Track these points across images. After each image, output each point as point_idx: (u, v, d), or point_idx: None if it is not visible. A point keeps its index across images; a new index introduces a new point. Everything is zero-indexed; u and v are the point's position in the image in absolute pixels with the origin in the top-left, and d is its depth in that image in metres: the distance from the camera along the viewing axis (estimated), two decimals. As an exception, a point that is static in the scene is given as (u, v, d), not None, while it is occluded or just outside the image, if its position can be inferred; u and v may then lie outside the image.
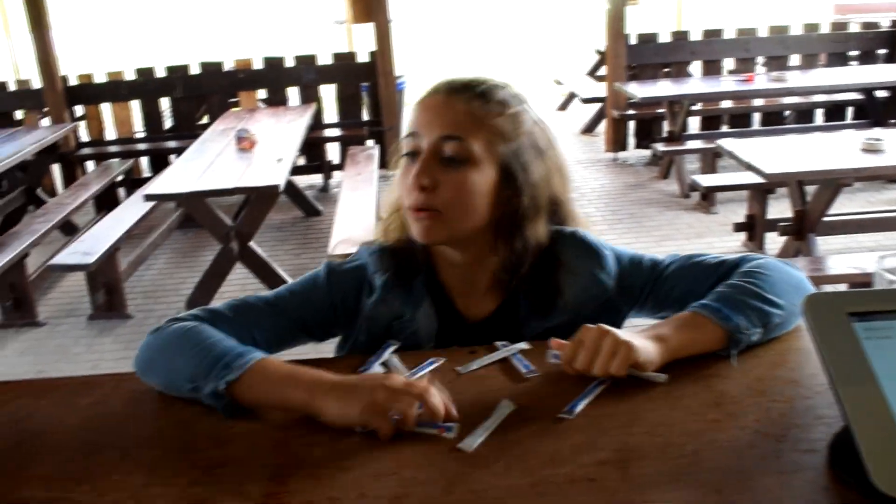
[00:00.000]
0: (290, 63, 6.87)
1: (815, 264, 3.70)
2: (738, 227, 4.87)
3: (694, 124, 6.99)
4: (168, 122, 7.15)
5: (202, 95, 6.97)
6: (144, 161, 7.05)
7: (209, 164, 4.66)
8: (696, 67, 7.28)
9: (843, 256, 3.98)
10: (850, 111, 7.11)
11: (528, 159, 1.34)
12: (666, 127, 6.51)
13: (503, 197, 1.33)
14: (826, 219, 4.22)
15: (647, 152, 7.01)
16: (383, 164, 6.70)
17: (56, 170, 6.86)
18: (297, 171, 6.15)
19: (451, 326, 1.38)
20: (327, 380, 1.13)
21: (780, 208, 4.96)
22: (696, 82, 6.64)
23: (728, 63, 7.20)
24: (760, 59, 7.27)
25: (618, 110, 6.95)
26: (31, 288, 4.66)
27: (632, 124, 7.14)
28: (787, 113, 7.18)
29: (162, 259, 5.54)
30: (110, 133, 7.10)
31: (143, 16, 21.01)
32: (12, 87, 6.94)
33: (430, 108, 1.34)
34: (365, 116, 7.05)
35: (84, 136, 7.03)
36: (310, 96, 6.83)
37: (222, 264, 4.67)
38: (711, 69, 7.09)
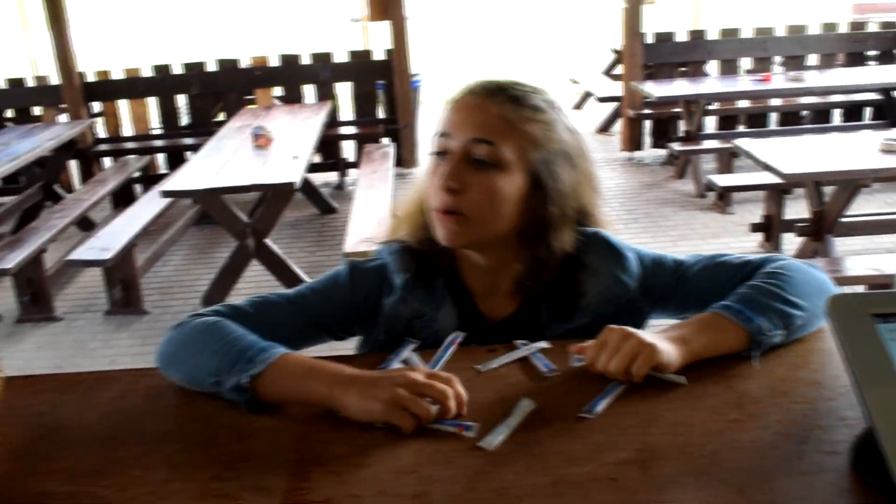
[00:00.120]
0: (306, 61, 6.88)
1: (833, 265, 3.68)
2: (755, 228, 4.85)
3: (710, 124, 6.96)
4: (184, 119, 7.19)
5: (219, 92, 6.99)
6: (161, 158, 7.08)
7: (225, 161, 4.67)
8: (712, 67, 7.25)
9: (860, 258, 3.96)
10: (868, 111, 7.06)
11: (558, 168, 1.32)
12: (682, 126, 6.49)
13: (531, 204, 1.31)
14: (844, 220, 4.20)
15: (662, 152, 6.99)
16: (399, 161, 6.73)
17: (73, 166, 6.90)
18: (312, 168, 6.15)
19: (472, 326, 1.37)
20: (349, 374, 1.14)
21: (796, 209, 4.94)
22: (712, 82, 6.62)
23: (745, 62, 7.16)
24: (778, 59, 7.23)
25: (634, 109, 6.93)
26: (48, 283, 4.69)
27: (647, 123, 7.12)
28: (804, 113, 7.14)
29: (178, 255, 5.56)
30: (127, 129, 7.14)
31: (161, 13, 21.08)
32: (30, 83, 7.00)
33: (461, 109, 1.32)
34: (380, 114, 7.06)
35: (101, 132, 7.06)
36: (326, 94, 6.84)
37: (238, 261, 4.69)
38: (728, 68, 7.06)
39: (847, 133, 5.23)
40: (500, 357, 1.27)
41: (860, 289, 3.62)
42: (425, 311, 1.35)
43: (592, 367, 1.18)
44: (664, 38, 7.02)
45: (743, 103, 6.93)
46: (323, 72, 6.84)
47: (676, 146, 6.14)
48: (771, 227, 4.76)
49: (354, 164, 6.73)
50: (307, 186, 6.09)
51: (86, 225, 5.85)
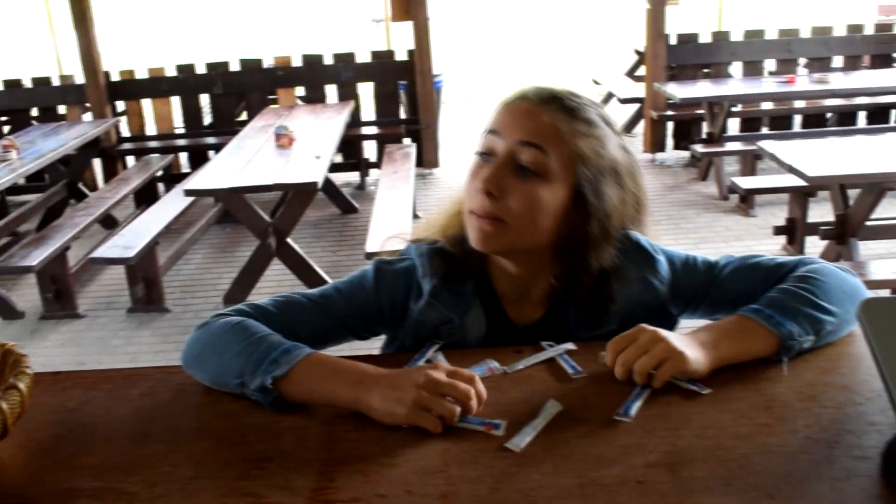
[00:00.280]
0: (328, 61, 6.91)
1: (857, 269, 3.65)
2: (778, 231, 4.81)
3: (733, 126, 6.92)
4: (207, 119, 7.23)
5: (241, 92, 7.04)
6: (183, 157, 7.13)
7: (248, 160, 4.69)
8: (736, 68, 7.21)
9: (885, 261, 3.92)
10: (893, 114, 7.00)
11: (604, 186, 1.28)
12: (705, 128, 6.45)
13: (570, 219, 1.28)
14: (869, 223, 4.16)
15: (685, 154, 6.96)
16: (420, 162, 6.73)
17: (97, 164, 6.96)
18: (334, 168, 6.17)
19: (499, 331, 1.36)
20: (372, 375, 1.13)
21: (820, 212, 4.91)
22: (736, 83, 6.58)
23: (769, 64, 7.12)
24: (802, 61, 7.18)
25: (656, 111, 6.90)
26: (71, 280, 4.72)
27: (670, 125, 7.09)
28: (829, 115, 7.09)
29: (200, 254, 5.59)
30: (150, 128, 7.19)
31: (185, 13, 21.21)
32: (56, 82, 7.05)
33: (513, 112, 1.29)
34: (402, 115, 7.07)
35: (125, 131, 7.12)
36: (348, 94, 6.86)
37: (259, 260, 4.71)
38: (752, 70, 7.02)
39: (872, 135, 5.20)
40: (526, 358, 1.26)
41: (885, 293, 3.59)
42: (452, 318, 1.33)
43: (613, 357, 1.17)
44: (688, 40, 7.00)
45: (767, 105, 6.89)
46: (345, 72, 6.86)
47: (699, 148, 6.11)
48: (794, 230, 4.72)
49: (376, 165, 6.75)
50: (329, 186, 6.11)
51: (109, 223, 5.89)
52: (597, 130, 1.29)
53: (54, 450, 1.10)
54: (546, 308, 1.38)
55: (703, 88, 6.38)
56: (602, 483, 0.96)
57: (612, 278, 1.33)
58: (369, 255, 3.92)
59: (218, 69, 6.90)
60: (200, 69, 6.91)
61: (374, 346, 1.49)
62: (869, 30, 7.09)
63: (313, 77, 6.96)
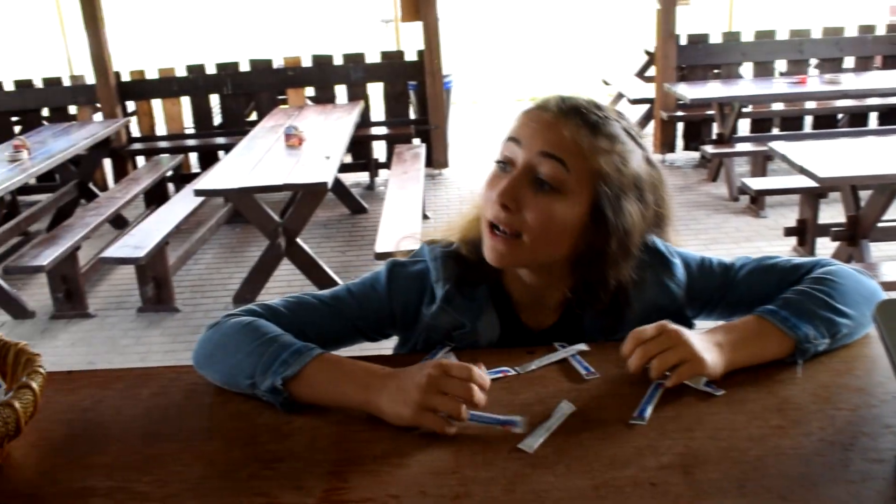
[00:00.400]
0: (338, 61, 6.91)
1: (869, 271, 3.61)
2: (789, 232, 4.80)
3: (744, 126, 6.90)
4: (217, 119, 7.24)
5: (251, 92, 7.05)
6: (194, 157, 7.14)
7: (258, 160, 4.70)
8: (747, 69, 7.19)
9: (897, 263, 3.91)
10: (905, 114, 6.97)
11: (624, 202, 1.24)
12: (715, 129, 6.44)
13: (588, 236, 1.25)
14: (880, 224, 4.14)
15: (695, 154, 6.94)
16: (429, 162, 6.73)
17: (108, 164, 6.98)
18: (343, 168, 6.18)
19: (513, 335, 1.35)
20: (380, 377, 1.13)
21: (831, 213, 4.89)
22: (747, 84, 6.56)
23: (780, 65, 7.10)
24: (813, 61, 7.16)
25: (666, 111, 6.88)
26: (82, 280, 4.74)
27: (680, 126, 7.07)
28: (840, 116, 7.06)
29: (209, 254, 5.60)
30: (161, 129, 7.20)
31: (195, 13, 21.26)
32: (66, 82, 7.07)
33: (534, 122, 1.25)
34: (412, 115, 7.07)
35: (135, 131, 7.13)
36: (357, 94, 6.86)
37: (269, 260, 4.71)
38: (763, 71, 7.00)
39: (884, 136, 5.17)
40: (538, 359, 1.25)
41: (897, 295, 3.57)
42: (465, 322, 1.31)
43: (633, 347, 1.16)
44: (698, 40, 6.98)
45: (777, 106, 6.87)
46: (355, 72, 6.86)
47: (709, 149, 6.10)
48: (805, 232, 4.71)
49: (385, 165, 6.75)
50: (338, 186, 6.12)
51: (119, 223, 5.91)
52: (619, 146, 1.25)
53: (67, 449, 1.10)
54: (561, 313, 1.37)
55: (713, 89, 6.36)
56: (615, 485, 0.95)
57: (629, 284, 1.30)
58: (379, 256, 3.92)
59: (228, 69, 6.91)
60: (210, 69, 6.92)
61: (386, 346, 1.49)
62: (881, 30, 7.06)
63: (323, 77, 6.96)
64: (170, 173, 6.47)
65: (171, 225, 4.75)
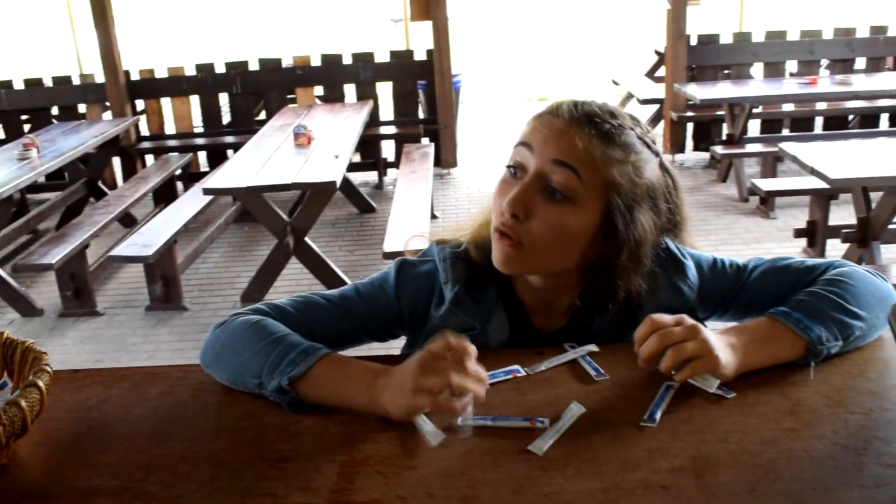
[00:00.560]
0: (347, 60, 6.91)
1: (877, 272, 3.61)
2: (799, 233, 4.77)
3: (754, 127, 6.88)
4: (226, 118, 7.24)
5: (260, 91, 7.06)
6: (202, 156, 7.15)
7: (266, 159, 4.70)
8: (757, 69, 7.16)
9: (909, 265, 3.88)
10: (916, 116, 6.95)
11: (637, 214, 1.22)
12: (725, 129, 6.41)
13: (599, 246, 1.22)
14: (891, 226, 4.12)
15: (705, 155, 6.92)
16: (438, 162, 6.73)
17: (117, 163, 6.99)
18: (352, 167, 6.19)
19: (523, 337, 1.34)
20: (383, 375, 1.12)
21: (842, 214, 4.86)
22: (757, 84, 6.53)
23: (791, 65, 7.07)
24: (824, 62, 7.13)
25: (676, 112, 6.86)
26: (90, 278, 4.75)
27: (690, 126, 7.05)
28: (851, 117, 7.03)
29: (218, 252, 5.60)
30: (170, 127, 7.21)
31: (204, 12, 21.30)
32: (76, 81, 7.09)
33: (547, 128, 1.22)
34: (421, 114, 7.06)
35: (144, 130, 7.15)
36: (366, 93, 6.86)
37: (277, 259, 4.71)
38: (773, 71, 6.97)
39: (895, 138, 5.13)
40: (548, 360, 1.24)
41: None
42: (474, 325, 1.30)
43: (647, 331, 1.14)
44: (708, 40, 6.96)
45: (788, 107, 6.84)
46: (364, 71, 6.86)
47: (719, 149, 6.08)
48: (815, 233, 4.68)
49: (394, 164, 6.75)
50: (347, 185, 6.12)
51: (128, 221, 5.92)
52: (634, 156, 1.22)
53: (73, 448, 1.10)
54: (570, 317, 1.35)
55: (723, 89, 6.34)
56: (626, 487, 0.94)
57: (640, 291, 1.28)
58: (387, 255, 3.91)
59: (237, 68, 6.92)
60: (220, 68, 6.93)
61: (394, 346, 1.48)
62: (892, 31, 7.02)
63: (332, 76, 6.96)
64: (179, 172, 6.47)
65: (179, 223, 4.75)
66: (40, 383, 1.06)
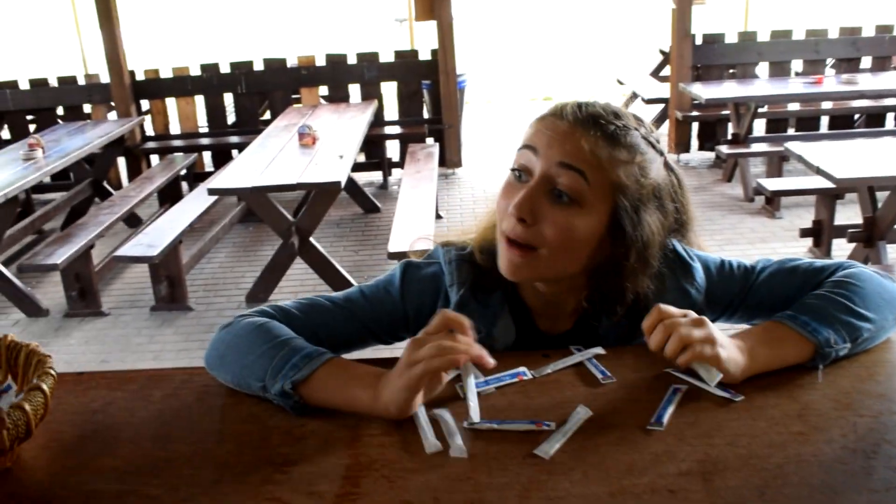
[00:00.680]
0: (352, 60, 6.91)
1: (885, 273, 3.59)
2: (804, 233, 4.76)
3: (759, 127, 6.86)
4: (231, 118, 7.25)
5: (265, 91, 7.06)
6: (207, 156, 7.16)
7: (271, 159, 4.69)
8: (762, 69, 7.14)
9: (915, 265, 3.87)
10: (922, 115, 6.92)
11: (644, 214, 1.21)
12: (730, 129, 6.40)
13: (606, 248, 1.21)
14: (898, 226, 4.11)
15: (710, 154, 6.91)
16: (443, 162, 6.72)
17: (122, 163, 7.00)
18: (356, 167, 6.18)
19: (528, 340, 1.33)
20: (382, 375, 1.11)
21: (847, 214, 4.85)
22: (762, 84, 6.52)
23: (796, 65, 7.05)
24: (830, 61, 7.11)
25: (681, 111, 6.85)
26: (95, 278, 4.75)
27: (695, 126, 7.04)
28: (857, 116, 7.01)
29: (223, 253, 5.60)
30: (175, 128, 7.21)
31: (209, 12, 21.32)
32: (81, 81, 7.09)
33: (551, 130, 1.20)
34: (425, 114, 7.06)
35: (149, 130, 7.15)
36: (371, 93, 6.86)
37: (282, 259, 4.71)
38: (779, 71, 6.96)
39: (902, 137, 5.12)
40: (554, 363, 1.23)
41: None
42: (481, 328, 1.27)
43: (654, 321, 1.13)
44: (713, 40, 6.94)
45: (793, 106, 6.82)
46: (368, 71, 6.85)
47: (725, 149, 6.06)
48: (821, 233, 4.67)
49: (399, 164, 6.74)
50: (351, 185, 6.11)
51: (133, 221, 5.93)
52: (639, 157, 1.21)
53: (77, 451, 1.09)
54: (576, 319, 1.34)
55: (728, 89, 6.32)
56: (633, 492, 0.94)
57: (647, 293, 1.27)
58: (392, 255, 3.91)
59: (242, 68, 6.92)
60: (224, 68, 6.93)
61: (399, 349, 1.47)
62: (898, 30, 7.01)
63: (337, 76, 6.96)
64: (183, 172, 6.48)
65: (184, 224, 4.75)
66: (44, 387, 1.05)
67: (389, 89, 7.06)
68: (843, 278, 1.26)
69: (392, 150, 7.02)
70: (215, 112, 7.07)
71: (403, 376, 1.06)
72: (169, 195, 6.16)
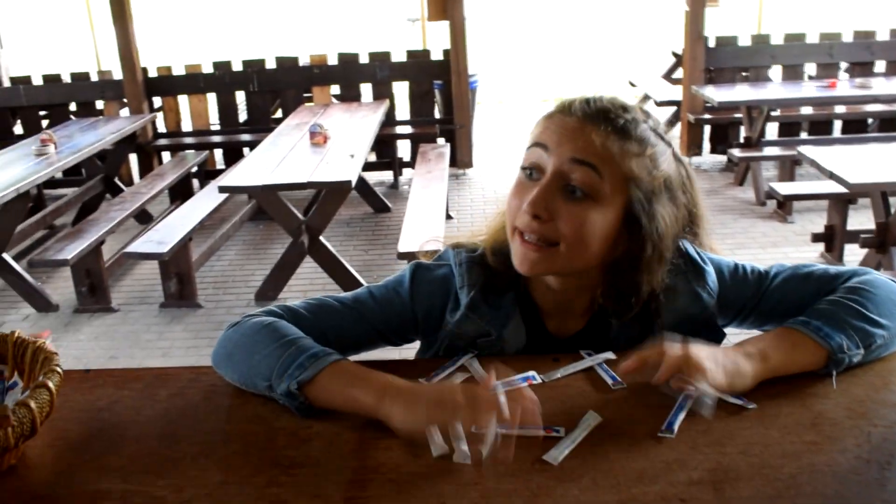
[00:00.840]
0: (364, 60, 6.90)
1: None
2: (816, 238, 4.73)
3: (772, 130, 6.82)
4: (243, 116, 7.25)
5: (277, 90, 7.05)
6: (219, 153, 7.16)
7: (282, 157, 4.69)
8: (776, 72, 7.11)
9: (929, 271, 3.84)
10: (937, 120, 6.87)
11: (657, 205, 1.20)
12: (743, 132, 6.36)
13: (622, 242, 1.21)
14: (911, 232, 4.08)
15: (722, 158, 6.87)
16: (454, 162, 6.71)
17: (133, 159, 7.01)
18: (367, 167, 6.17)
19: (538, 342, 1.32)
20: (397, 385, 1.10)
21: (860, 219, 4.82)
22: (775, 87, 6.49)
23: (810, 68, 7.01)
24: (844, 65, 7.06)
25: (694, 114, 6.82)
26: (106, 274, 4.75)
27: (707, 129, 7.01)
28: (870, 121, 6.96)
29: (233, 250, 5.60)
30: (186, 125, 7.22)
31: (222, 10, 21.37)
32: (94, 77, 7.11)
33: (561, 127, 1.20)
34: (437, 114, 7.05)
35: (161, 127, 7.16)
36: (382, 93, 6.85)
37: (292, 258, 4.70)
38: (792, 74, 6.92)
39: (916, 142, 5.08)
40: (564, 367, 1.22)
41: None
42: (491, 331, 1.28)
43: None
44: (726, 42, 6.91)
45: (806, 110, 6.78)
46: (380, 71, 6.85)
47: (737, 152, 6.03)
48: (833, 238, 4.64)
49: (409, 164, 6.73)
50: (362, 185, 6.11)
51: (144, 218, 5.93)
52: (650, 149, 1.20)
53: (83, 449, 1.08)
54: (588, 320, 1.33)
55: (741, 92, 6.28)
56: (643, 500, 0.93)
57: (661, 291, 1.26)
58: (402, 255, 3.90)
59: (254, 66, 6.92)
60: (237, 66, 6.93)
61: (409, 350, 1.46)
62: (913, 35, 6.96)
63: (349, 75, 6.95)
64: (195, 169, 6.48)
65: (194, 221, 4.75)
66: (50, 384, 1.05)
67: (401, 89, 7.05)
68: (856, 284, 1.25)
69: (403, 149, 7.01)
70: (227, 110, 7.07)
71: (427, 413, 1.04)
72: (180, 192, 6.16)
